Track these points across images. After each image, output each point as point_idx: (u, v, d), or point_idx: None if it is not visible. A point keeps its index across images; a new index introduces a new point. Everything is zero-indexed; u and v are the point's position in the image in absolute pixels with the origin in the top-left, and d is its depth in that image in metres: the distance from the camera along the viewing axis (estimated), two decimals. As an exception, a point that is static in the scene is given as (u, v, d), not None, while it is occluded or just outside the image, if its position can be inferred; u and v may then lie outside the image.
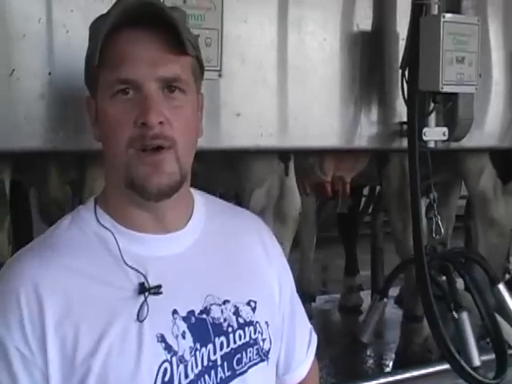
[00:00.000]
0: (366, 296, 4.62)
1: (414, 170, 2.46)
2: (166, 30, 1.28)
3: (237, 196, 3.80)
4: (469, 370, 2.47)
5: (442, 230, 2.79)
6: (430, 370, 2.94)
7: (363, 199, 4.98)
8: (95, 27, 1.36)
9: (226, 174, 2.89)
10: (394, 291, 3.46)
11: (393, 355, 3.48)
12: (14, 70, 1.93)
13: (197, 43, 1.40)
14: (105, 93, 1.30)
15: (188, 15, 1.90)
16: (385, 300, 2.85)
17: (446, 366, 2.68)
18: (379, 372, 3.35)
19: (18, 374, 1.24)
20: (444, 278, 2.75)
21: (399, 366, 3.21)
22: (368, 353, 3.61)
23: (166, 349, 1.28)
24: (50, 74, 1.97)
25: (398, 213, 3.16)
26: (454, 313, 2.62)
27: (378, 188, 4.64)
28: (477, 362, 2.58)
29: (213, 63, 1.99)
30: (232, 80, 2.24)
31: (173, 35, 1.29)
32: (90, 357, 1.24)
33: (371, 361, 3.55)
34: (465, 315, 2.63)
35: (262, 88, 2.36)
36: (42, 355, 1.24)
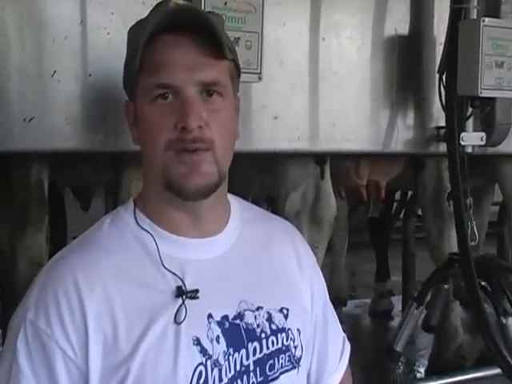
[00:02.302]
0: (396, 301, 4.59)
1: (456, 175, 2.44)
2: (204, 35, 1.29)
3: (268, 200, 3.81)
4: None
5: (477, 236, 2.76)
6: (465, 377, 2.92)
7: (395, 204, 4.95)
8: (134, 32, 1.37)
9: (260, 177, 2.89)
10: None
11: (425, 361, 3.44)
12: (55, 72, 1.95)
13: (233, 46, 1.41)
14: (144, 97, 1.31)
15: (228, 18, 1.92)
16: (421, 308, 2.81)
17: (481, 374, 2.67)
18: (411, 378, 3.32)
19: (57, 370, 1.25)
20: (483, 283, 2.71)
21: (432, 373, 3.18)
22: (400, 359, 3.58)
23: (201, 352, 1.28)
24: (90, 75, 1.99)
25: (433, 218, 3.13)
26: (502, 318, 2.60)
27: (409, 193, 4.61)
28: None
29: (253, 66, 2.00)
30: (270, 83, 2.24)
31: (211, 40, 1.29)
32: (129, 359, 1.25)
33: (403, 367, 3.51)
34: (511, 320, 2.61)
35: (300, 92, 2.36)
36: (84, 354, 1.25)
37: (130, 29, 1.41)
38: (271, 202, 3.56)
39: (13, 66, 1.92)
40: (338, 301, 4.16)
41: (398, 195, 4.91)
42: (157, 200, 1.36)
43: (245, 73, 1.96)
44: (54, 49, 1.96)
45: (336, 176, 2.77)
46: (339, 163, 2.82)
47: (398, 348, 2.85)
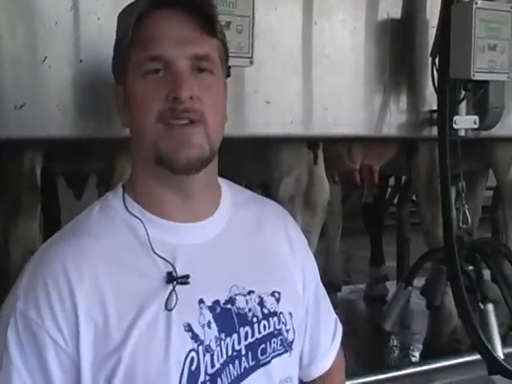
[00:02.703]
0: (391, 286, 4.59)
1: (445, 159, 2.44)
2: (197, 12, 1.29)
3: (262, 186, 3.80)
4: (501, 360, 2.45)
5: (470, 220, 2.77)
6: (459, 360, 2.93)
7: (389, 189, 4.95)
8: (126, 12, 1.37)
9: (253, 163, 2.89)
10: (419, 282, 3.42)
11: (420, 345, 3.45)
12: (45, 58, 1.94)
13: (222, 29, 1.41)
14: (136, 72, 1.31)
15: (220, 1, 1.91)
16: (409, 288, 2.82)
17: (475, 357, 2.67)
18: (406, 362, 3.33)
19: (48, 360, 1.24)
20: (471, 267, 2.72)
21: (427, 357, 3.19)
22: (394, 343, 3.59)
23: (192, 338, 1.28)
24: (81, 61, 1.98)
25: (426, 202, 3.13)
26: (481, 304, 2.61)
27: (403, 178, 4.61)
28: (500, 354, 2.58)
29: (244, 50, 1.99)
30: (262, 68, 2.23)
31: (204, 17, 1.30)
32: (121, 347, 1.24)
33: (398, 351, 3.53)
34: (491, 307, 2.62)
35: (292, 76, 2.35)
36: (75, 343, 1.24)
37: (120, 12, 1.40)
38: (265, 187, 3.56)
39: (3, 53, 1.90)
40: (332, 286, 4.17)
41: (391, 180, 4.91)
42: (147, 181, 1.35)
43: (236, 57, 1.97)
44: (45, 35, 1.94)
45: (329, 161, 2.76)
46: (332, 148, 2.81)
47: (387, 327, 2.87)
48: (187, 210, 1.36)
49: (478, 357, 2.69)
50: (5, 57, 1.90)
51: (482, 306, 2.64)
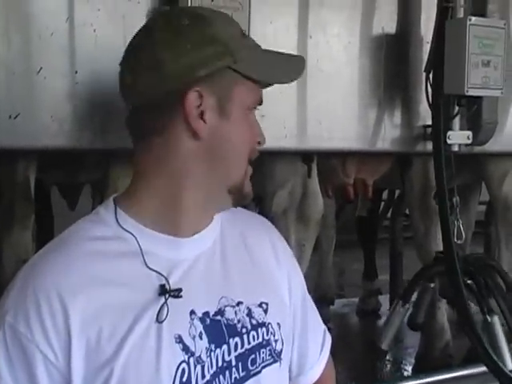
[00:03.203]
0: (384, 300, 4.60)
1: (441, 174, 2.44)
2: None
3: (256, 199, 3.80)
4: (508, 372, 2.44)
5: (464, 235, 2.76)
6: (451, 375, 2.92)
7: (382, 203, 4.95)
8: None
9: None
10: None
11: (412, 360, 3.45)
12: (41, 69, 1.93)
13: None
14: (242, 104, 1.37)
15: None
16: (406, 306, 2.81)
17: (468, 372, 2.67)
18: (399, 376, 3.32)
19: (38, 375, 1.23)
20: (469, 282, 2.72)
21: (419, 371, 3.19)
22: (387, 357, 3.59)
23: (183, 350, 1.28)
24: (76, 72, 1.98)
25: (420, 217, 3.14)
26: (487, 316, 2.61)
27: (397, 192, 4.62)
28: (510, 365, 2.57)
29: (240, 63, 1.99)
30: (257, 81, 2.23)
31: None
32: (113, 360, 1.24)
33: (390, 365, 3.52)
34: (496, 319, 2.61)
35: (287, 90, 2.33)
36: (66, 358, 1.23)
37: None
38: (258, 200, 3.56)
39: (-2, 63, 1.91)
40: (325, 300, 4.17)
41: (385, 194, 4.92)
42: (178, 199, 1.36)
43: (232, 70, 1.97)
44: (40, 45, 1.94)
45: (323, 174, 2.77)
46: (326, 161, 2.82)
47: (384, 346, 2.85)
48: (186, 224, 1.37)
49: (470, 371, 2.69)
50: (0, 66, 1.90)
51: (488, 318, 2.63)
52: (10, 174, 2.21)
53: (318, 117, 2.42)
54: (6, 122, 1.90)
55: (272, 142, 2.33)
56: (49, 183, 3.19)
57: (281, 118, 2.33)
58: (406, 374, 3.37)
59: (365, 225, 4.68)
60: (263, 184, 2.71)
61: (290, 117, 2.37)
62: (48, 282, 1.26)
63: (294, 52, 2.35)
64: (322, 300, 4.03)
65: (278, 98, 2.32)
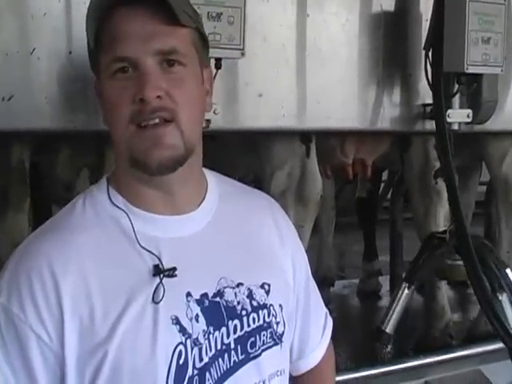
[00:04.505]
0: (384, 281, 4.59)
1: (446, 153, 2.43)
2: (160, 4, 1.26)
3: (255, 180, 3.79)
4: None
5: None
6: (452, 355, 2.92)
7: (382, 184, 4.93)
8: (90, 10, 1.31)
9: (246, 156, 2.87)
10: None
11: (413, 340, 3.44)
12: (34, 49, 1.91)
13: (196, 15, 1.37)
14: (105, 74, 1.28)
15: (211, -8, 1.89)
16: (412, 288, 2.79)
17: (468, 352, 2.66)
18: (399, 357, 3.32)
19: (32, 355, 1.22)
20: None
21: (419, 351, 3.18)
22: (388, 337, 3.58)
23: (180, 331, 1.27)
24: (70, 53, 1.95)
25: (419, 197, 3.12)
26: (499, 294, 2.60)
27: (397, 173, 4.59)
28: None
29: (236, 42, 1.97)
30: (254, 60, 2.21)
31: (167, 8, 1.26)
32: (107, 342, 1.23)
33: (391, 345, 3.51)
34: (505, 296, 2.60)
35: (284, 69, 2.33)
36: (60, 338, 1.22)
37: (87, 10, 1.34)
38: (258, 181, 3.54)
39: (-9, 44, 1.88)
40: (325, 281, 4.16)
41: (385, 175, 4.90)
42: (127, 177, 1.33)
43: (227, 48, 1.95)
44: (33, 26, 1.92)
45: (322, 154, 2.74)
46: (325, 141, 2.80)
47: (388, 330, 2.83)
48: (169, 204, 1.34)
49: (470, 351, 2.68)
50: (-8, 48, 1.88)
51: (499, 296, 2.62)
52: (4, 156, 2.19)
53: (316, 96, 2.40)
54: (-1, 104, 1.88)
55: (269, 121, 2.34)
56: (46, 166, 3.16)
57: (278, 98, 2.32)
58: (406, 354, 3.36)
59: (365, 206, 4.66)
60: (261, 165, 2.69)
61: (288, 96, 2.35)
62: (41, 261, 1.25)
63: (292, 31, 2.34)
64: (322, 282, 4.02)
65: (275, 77, 2.31)
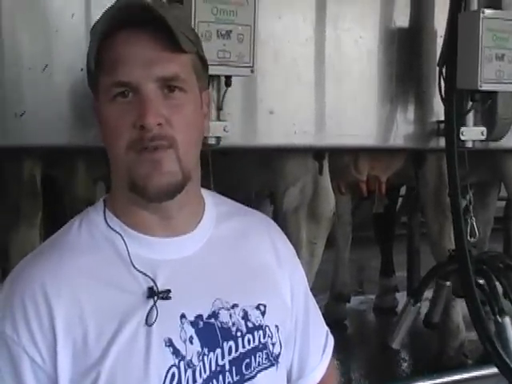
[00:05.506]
0: (401, 297, 4.55)
1: (453, 171, 2.40)
2: (160, 29, 1.25)
3: (271, 195, 3.79)
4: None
5: (477, 233, 2.72)
6: (466, 375, 2.88)
7: (400, 199, 4.91)
8: (93, 30, 1.32)
9: (261, 172, 2.87)
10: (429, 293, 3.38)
11: (427, 359, 3.41)
12: (46, 66, 1.93)
13: (197, 38, 1.37)
14: (104, 97, 1.28)
15: (220, 10, 1.90)
16: (418, 305, 2.77)
17: (483, 372, 2.63)
18: (414, 375, 3.29)
19: (25, 378, 1.22)
20: (481, 281, 2.68)
21: (434, 370, 3.15)
22: (402, 355, 3.55)
23: (173, 353, 1.26)
24: (82, 69, 1.95)
25: (434, 214, 3.10)
26: (498, 317, 2.57)
27: (415, 188, 4.57)
28: None
29: (245, 59, 1.97)
30: (265, 77, 2.22)
31: (168, 34, 1.25)
32: (100, 363, 1.22)
33: (405, 364, 3.49)
34: (507, 320, 2.57)
35: (296, 85, 2.33)
36: (53, 360, 1.22)
37: (92, 26, 1.34)
38: (274, 197, 3.54)
39: (4, 60, 1.90)
40: (341, 297, 4.13)
41: (403, 190, 4.88)
42: (125, 200, 1.32)
43: (237, 66, 1.95)
44: (46, 42, 1.95)
45: (335, 171, 2.74)
46: (338, 158, 2.79)
47: (395, 345, 2.81)
48: (166, 227, 1.34)
49: (485, 372, 2.65)
50: (6, 64, 1.90)
51: (499, 319, 2.59)
52: (16, 171, 2.21)
53: (328, 113, 2.40)
54: (12, 120, 1.91)
55: (281, 138, 2.34)
56: (60, 181, 3.18)
57: (290, 115, 2.31)
58: (420, 373, 3.33)
59: (382, 221, 4.64)
60: (275, 181, 2.68)
61: (300, 113, 2.34)
62: (35, 284, 1.25)
63: (305, 48, 2.34)
64: (337, 298, 4.00)
65: (286, 94, 2.31)
